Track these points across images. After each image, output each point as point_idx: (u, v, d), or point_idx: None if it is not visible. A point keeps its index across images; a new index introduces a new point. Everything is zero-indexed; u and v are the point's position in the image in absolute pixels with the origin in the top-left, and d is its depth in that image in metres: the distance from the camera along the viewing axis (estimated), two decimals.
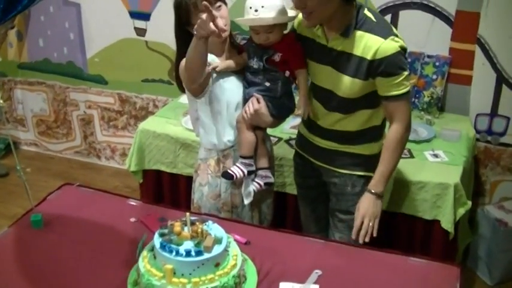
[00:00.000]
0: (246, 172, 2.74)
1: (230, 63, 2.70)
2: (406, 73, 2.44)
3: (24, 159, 5.30)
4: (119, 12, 4.71)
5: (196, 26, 2.32)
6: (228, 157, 2.81)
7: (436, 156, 3.35)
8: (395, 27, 3.80)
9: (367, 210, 2.53)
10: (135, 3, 4.65)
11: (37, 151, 5.70)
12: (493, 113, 3.89)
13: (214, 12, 2.33)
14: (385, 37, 2.38)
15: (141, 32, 4.72)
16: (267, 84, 2.66)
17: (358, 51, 2.44)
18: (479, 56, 3.80)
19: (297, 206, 3.25)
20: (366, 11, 2.46)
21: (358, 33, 2.43)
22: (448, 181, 3.10)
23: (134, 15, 4.69)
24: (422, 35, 3.88)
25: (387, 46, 2.38)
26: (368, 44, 2.41)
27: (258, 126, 2.75)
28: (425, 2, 3.82)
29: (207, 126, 2.79)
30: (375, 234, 2.53)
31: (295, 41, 2.63)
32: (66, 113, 5.37)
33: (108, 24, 4.80)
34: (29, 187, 2.50)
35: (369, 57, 2.41)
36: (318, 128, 2.74)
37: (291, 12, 2.60)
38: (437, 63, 3.81)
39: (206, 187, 2.86)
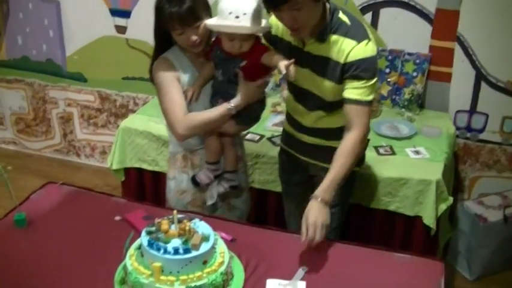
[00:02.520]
0: (212, 177, 2.74)
1: (201, 83, 2.62)
2: (373, 81, 2.43)
3: (3, 158, 5.24)
4: (99, 9, 4.67)
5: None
6: (195, 154, 2.77)
7: (417, 152, 3.38)
8: (376, 26, 3.89)
9: (316, 219, 2.28)
10: (116, 1, 4.61)
11: (16, 149, 5.64)
12: (472, 109, 3.93)
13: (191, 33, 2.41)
14: (358, 41, 2.38)
15: (121, 29, 4.69)
16: (234, 93, 2.57)
17: (333, 55, 2.44)
18: (458, 54, 3.84)
19: (279, 203, 3.26)
20: (341, 15, 2.44)
21: (334, 37, 2.42)
22: (430, 177, 3.12)
23: (115, 12, 4.65)
24: (403, 32, 3.90)
25: (359, 50, 2.38)
26: (342, 48, 2.41)
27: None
28: (406, 0, 3.84)
29: None
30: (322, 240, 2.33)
31: (265, 49, 2.53)
32: (46, 111, 5.32)
33: (88, 22, 4.76)
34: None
35: (341, 60, 2.41)
36: (302, 127, 2.76)
37: (264, 22, 2.50)
38: (417, 61, 3.84)
39: (173, 182, 2.84)
